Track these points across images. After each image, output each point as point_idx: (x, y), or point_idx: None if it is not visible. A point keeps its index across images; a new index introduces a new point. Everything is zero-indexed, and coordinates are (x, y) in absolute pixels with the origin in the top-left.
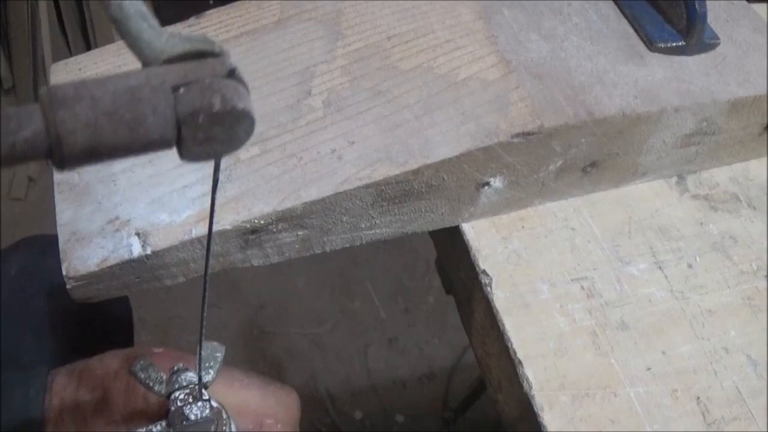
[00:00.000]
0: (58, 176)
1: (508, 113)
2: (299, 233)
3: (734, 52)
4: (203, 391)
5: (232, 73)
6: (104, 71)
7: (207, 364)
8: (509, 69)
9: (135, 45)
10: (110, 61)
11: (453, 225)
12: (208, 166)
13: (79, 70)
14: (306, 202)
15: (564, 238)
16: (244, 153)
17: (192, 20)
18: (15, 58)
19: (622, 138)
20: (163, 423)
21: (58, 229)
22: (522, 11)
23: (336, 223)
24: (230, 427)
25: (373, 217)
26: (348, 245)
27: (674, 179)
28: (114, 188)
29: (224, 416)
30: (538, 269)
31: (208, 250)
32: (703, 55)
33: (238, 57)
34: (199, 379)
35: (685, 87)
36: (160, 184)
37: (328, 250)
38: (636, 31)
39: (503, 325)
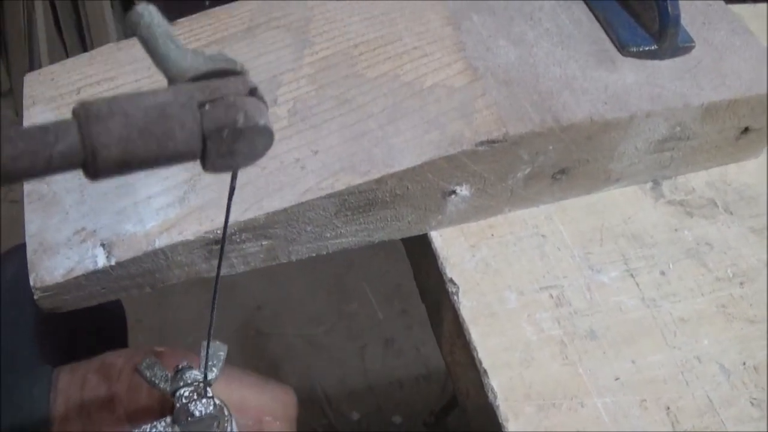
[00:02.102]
0: (28, 186)
1: (473, 121)
2: (263, 243)
3: (710, 55)
4: (207, 388)
5: (253, 92)
6: (76, 80)
7: (210, 363)
8: (476, 76)
9: (162, 63)
10: (82, 71)
11: (420, 233)
12: (173, 178)
13: (52, 80)
14: (268, 213)
15: (534, 246)
16: None
17: None
18: (12, 60)
19: (592, 144)
20: (168, 419)
21: (27, 239)
22: (491, 16)
23: (300, 232)
24: (232, 425)
25: (338, 227)
26: (314, 254)
27: (649, 185)
28: (81, 198)
29: (226, 413)
30: (506, 278)
31: (221, 250)
32: (677, 59)
33: None
34: (205, 376)
35: (657, 92)
36: (125, 194)
37: (294, 260)
38: (608, 35)
39: (469, 334)
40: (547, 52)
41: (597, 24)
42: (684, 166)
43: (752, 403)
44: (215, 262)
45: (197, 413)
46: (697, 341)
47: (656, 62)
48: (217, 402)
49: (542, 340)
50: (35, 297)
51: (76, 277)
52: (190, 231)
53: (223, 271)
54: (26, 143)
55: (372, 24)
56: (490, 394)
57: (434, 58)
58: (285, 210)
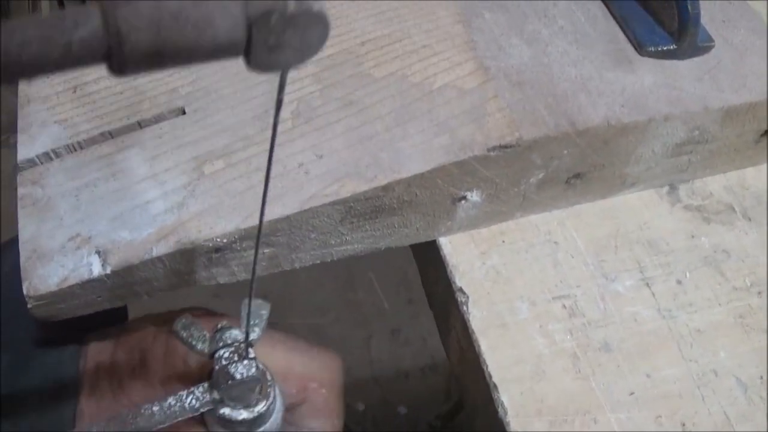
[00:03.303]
0: (22, 190)
1: (484, 124)
2: (266, 251)
3: (730, 55)
4: (249, 349)
5: None
6: (71, 78)
7: (252, 322)
8: (488, 77)
9: None
10: None
11: (429, 240)
12: (171, 182)
13: (47, 77)
14: (270, 220)
15: (546, 254)
16: (209, 167)
17: None
18: None
19: (608, 148)
20: (205, 385)
21: (20, 245)
22: (504, 14)
23: (304, 240)
24: (275, 390)
25: (343, 234)
26: (319, 261)
27: (665, 189)
28: (76, 203)
29: (269, 378)
30: (517, 287)
31: (263, 201)
32: (696, 59)
33: (207, 65)
34: (246, 335)
35: (675, 94)
36: (122, 199)
37: (297, 267)
38: (625, 33)
39: (479, 346)
40: (562, 52)
41: (614, 22)
42: (702, 170)
43: None
44: (216, 270)
45: (238, 375)
46: (714, 354)
47: (675, 62)
48: (260, 365)
49: (554, 352)
50: (29, 306)
51: (71, 286)
52: (189, 239)
53: (224, 279)
54: (39, 30)
55: (380, 21)
56: (500, 410)
57: (444, 57)
58: (288, 217)
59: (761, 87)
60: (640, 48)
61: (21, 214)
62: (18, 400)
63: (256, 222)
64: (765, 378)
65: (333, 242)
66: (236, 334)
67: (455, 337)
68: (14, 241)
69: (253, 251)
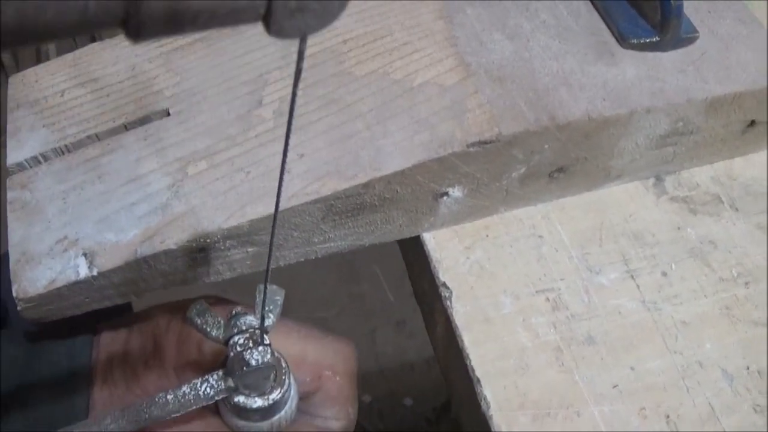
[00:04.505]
0: (11, 194)
1: (464, 121)
2: (249, 250)
3: (715, 46)
4: (264, 335)
5: None
6: (59, 82)
7: (267, 308)
8: (468, 72)
9: None
10: (66, 72)
11: (413, 235)
12: (155, 183)
13: (36, 82)
14: (252, 219)
15: (530, 247)
16: (192, 168)
17: None
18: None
19: (590, 142)
20: (220, 373)
21: (10, 249)
22: (486, 9)
23: (287, 238)
24: (290, 377)
25: (325, 231)
26: (303, 259)
27: (651, 180)
28: (64, 206)
29: (284, 365)
30: (501, 281)
31: (281, 175)
32: (680, 51)
33: (192, 65)
34: (261, 321)
35: (658, 86)
36: (108, 201)
37: (282, 265)
38: (608, 26)
39: (462, 341)
40: (544, 46)
41: (597, 15)
42: (688, 161)
43: (755, 410)
44: (201, 270)
45: (253, 362)
46: (699, 345)
47: (658, 54)
48: (275, 352)
49: (538, 346)
50: (18, 308)
51: (59, 288)
52: (173, 239)
53: (209, 279)
54: None
55: (362, 18)
56: (483, 404)
57: (425, 54)
58: (270, 216)
59: (746, 77)
60: (622, 41)
61: (10, 217)
62: (30, 390)
63: (238, 222)
64: (751, 369)
65: (316, 240)
66: (251, 320)
67: (440, 331)
68: None
69: (236, 251)
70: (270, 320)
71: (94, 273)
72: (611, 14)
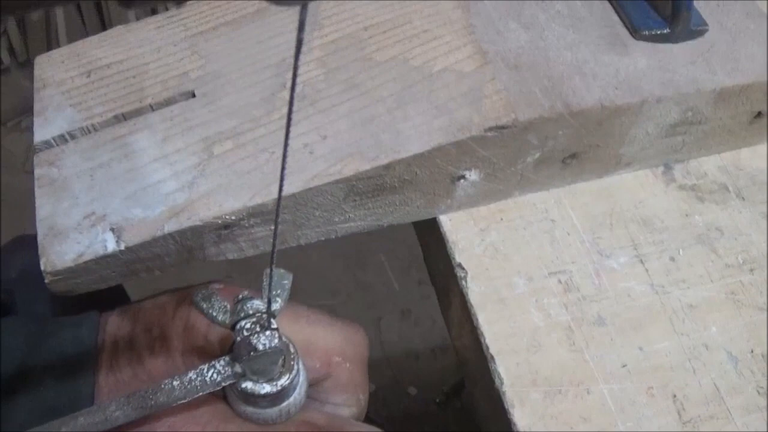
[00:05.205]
0: (38, 170)
1: (481, 106)
2: (272, 227)
3: (724, 38)
4: (271, 320)
5: None
6: (85, 63)
7: (275, 292)
8: (485, 60)
9: None
10: (92, 53)
11: (430, 217)
12: (181, 162)
13: (62, 62)
14: (276, 198)
15: (543, 231)
16: (218, 148)
17: (172, 11)
18: (29, 32)
19: (602, 130)
20: (227, 358)
21: (37, 223)
22: None
23: (309, 217)
24: (298, 363)
25: (346, 212)
26: (323, 238)
27: (660, 169)
28: (91, 183)
29: (292, 350)
30: (515, 263)
31: (285, 152)
32: (689, 43)
33: (216, 49)
34: (268, 305)
35: (668, 76)
36: (135, 179)
37: (303, 243)
38: (620, 17)
39: (477, 319)
40: (558, 36)
41: (609, 6)
42: (696, 151)
43: (759, 392)
44: (224, 246)
45: (260, 346)
46: (706, 328)
47: (669, 46)
48: (283, 337)
49: (549, 326)
50: (46, 281)
51: (86, 262)
52: (199, 216)
53: (233, 255)
54: None
55: (382, 6)
56: (496, 380)
57: (444, 42)
58: (293, 195)
59: (754, 69)
60: (634, 32)
61: (38, 193)
62: (35, 375)
63: (262, 200)
64: (755, 352)
65: (337, 219)
66: (258, 304)
67: (455, 311)
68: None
69: (260, 228)
70: (277, 304)
71: (122, 247)
72: (623, 6)
